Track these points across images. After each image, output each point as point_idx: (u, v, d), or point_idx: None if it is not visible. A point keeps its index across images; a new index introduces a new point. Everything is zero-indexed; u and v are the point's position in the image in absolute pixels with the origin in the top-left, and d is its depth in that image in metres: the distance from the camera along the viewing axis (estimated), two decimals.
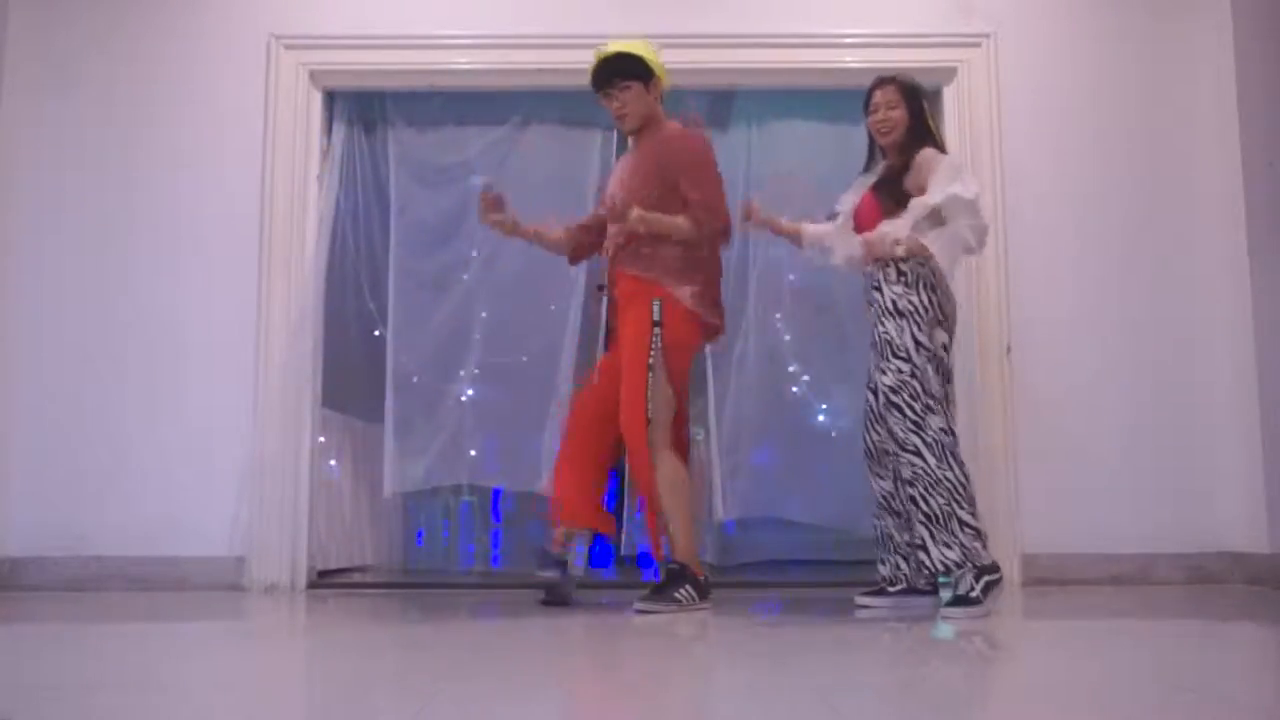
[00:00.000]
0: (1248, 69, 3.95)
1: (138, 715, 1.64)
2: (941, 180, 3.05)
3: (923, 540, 3.02)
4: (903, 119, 3.21)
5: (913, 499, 3.04)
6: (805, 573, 4.38)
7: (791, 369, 4.31)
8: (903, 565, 3.19)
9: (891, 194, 3.17)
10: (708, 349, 4.20)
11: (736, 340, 4.25)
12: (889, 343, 3.09)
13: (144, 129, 4.06)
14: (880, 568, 3.24)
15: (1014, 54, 4.08)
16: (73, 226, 4.02)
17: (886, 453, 3.14)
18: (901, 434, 3.04)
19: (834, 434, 4.19)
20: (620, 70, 3.33)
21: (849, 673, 2.05)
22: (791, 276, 4.30)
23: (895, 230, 3.06)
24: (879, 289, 3.14)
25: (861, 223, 3.22)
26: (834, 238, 3.32)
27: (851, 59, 4.09)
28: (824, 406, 4.22)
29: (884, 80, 3.28)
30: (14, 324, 3.98)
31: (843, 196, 3.35)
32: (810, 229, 3.43)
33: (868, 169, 3.36)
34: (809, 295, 4.26)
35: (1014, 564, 3.84)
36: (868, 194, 3.25)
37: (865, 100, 3.30)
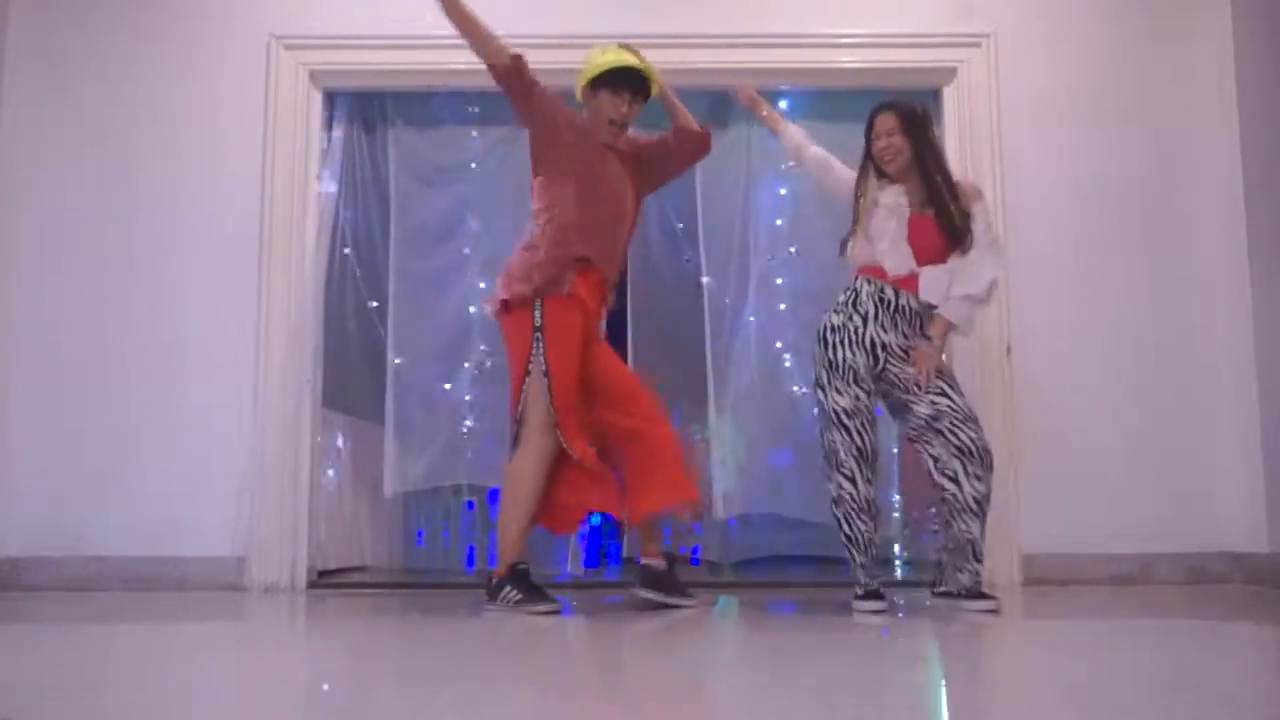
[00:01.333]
0: (1248, 69, 3.95)
1: (138, 715, 1.64)
2: (984, 253, 3.15)
3: (981, 554, 3.12)
4: (904, 145, 3.17)
5: (982, 514, 3.09)
6: (806, 571, 4.38)
7: (791, 366, 4.31)
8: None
9: (946, 222, 3.15)
10: (708, 346, 4.23)
11: (736, 339, 4.26)
12: (950, 377, 3.19)
13: (144, 129, 4.07)
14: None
15: (1014, 54, 4.08)
16: (73, 226, 4.02)
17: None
18: (984, 448, 3.09)
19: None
20: (644, 89, 3.30)
21: (848, 672, 2.05)
22: (793, 272, 4.30)
23: (936, 352, 3.16)
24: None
25: (919, 246, 3.15)
26: (887, 254, 3.18)
27: (850, 59, 4.09)
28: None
29: (884, 107, 3.25)
30: (14, 324, 3.98)
31: (855, 177, 3.26)
32: (791, 130, 3.45)
33: (862, 175, 3.27)
34: (809, 294, 4.26)
35: (1014, 564, 3.85)
36: (923, 219, 3.16)
37: (868, 125, 3.25)
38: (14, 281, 4.00)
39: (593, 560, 4.53)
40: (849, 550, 3.11)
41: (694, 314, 4.30)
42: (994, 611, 3.02)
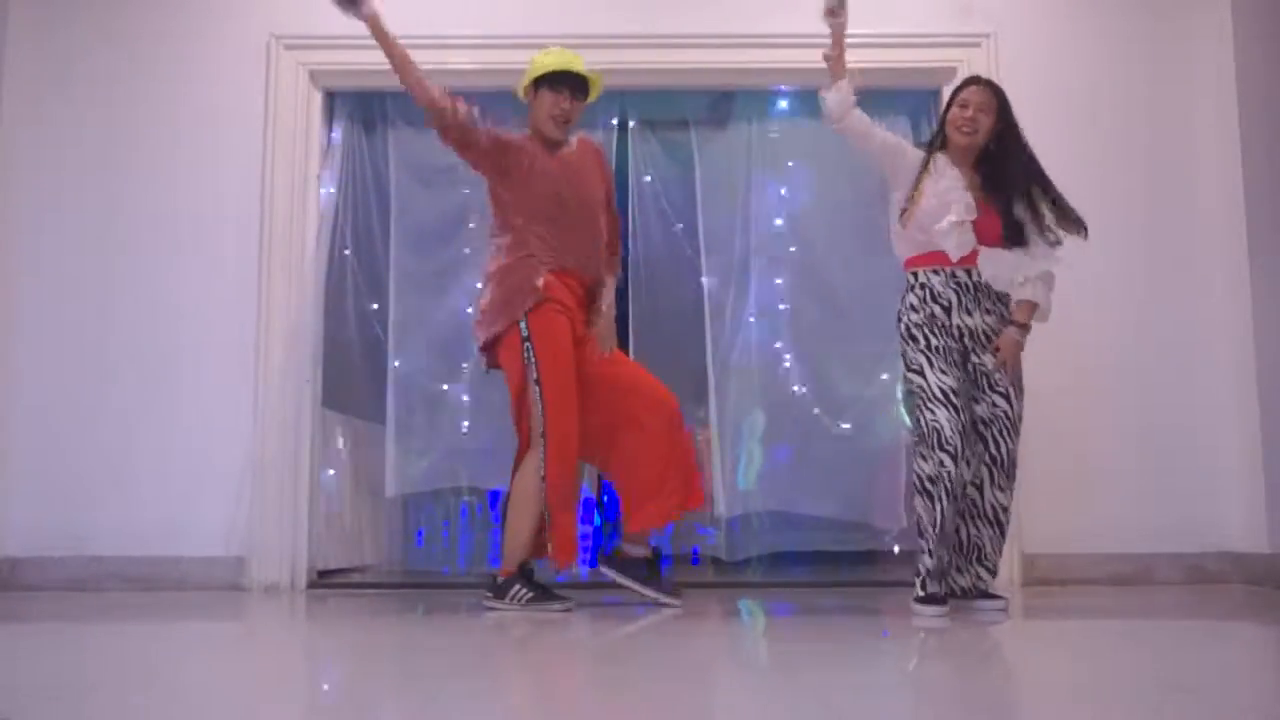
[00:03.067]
0: (1248, 69, 3.95)
1: (138, 715, 1.64)
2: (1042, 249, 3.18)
3: (995, 564, 3.13)
4: (989, 129, 3.16)
5: (1000, 524, 3.11)
6: (807, 569, 4.39)
7: (793, 364, 4.31)
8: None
9: (1008, 217, 3.16)
10: (708, 346, 4.23)
11: (736, 339, 4.25)
12: (1020, 378, 3.17)
13: (144, 129, 4.06)
14: (960, 578, 3.17)
15: (1014, 54, 4.08)
16: (72, 226, 4.02)
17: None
18: (1014, 460, 3.10)
19: (837, 427, 4.19)
20: (582, 88, 3.39)
21: (848, 672, 2.05)
22: (793, 271, 4.30)
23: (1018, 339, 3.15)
24: (1009, 309, 3.19)
25: (982, 235, 3.14)
26: (948, 235, 3.11)
27: (851, 59, 4.04)
28: (826, 401, 4.22)
29: (984, 82, 3.22)
30: (14, 324, 3.98)
31: (907, 149, 3.18)
32: (845, 86, 3.22)
33: (930, 149, 3.22)
34: (809, 293, 4.26)
35: (1014, 564, 3.85)
36: (989, 208, 3.14)
37: (959, 87, 3.22)
38: (14, 281, 4.00)
39: (593, 560, 4.53)
40: (928, 537, 2.97)
41: (694, 314, 4.30)
42: (1003, 610, 3.03)
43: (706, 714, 1.73)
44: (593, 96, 3.45)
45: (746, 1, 4.13)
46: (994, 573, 3.13)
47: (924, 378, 3.05)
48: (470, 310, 4.30)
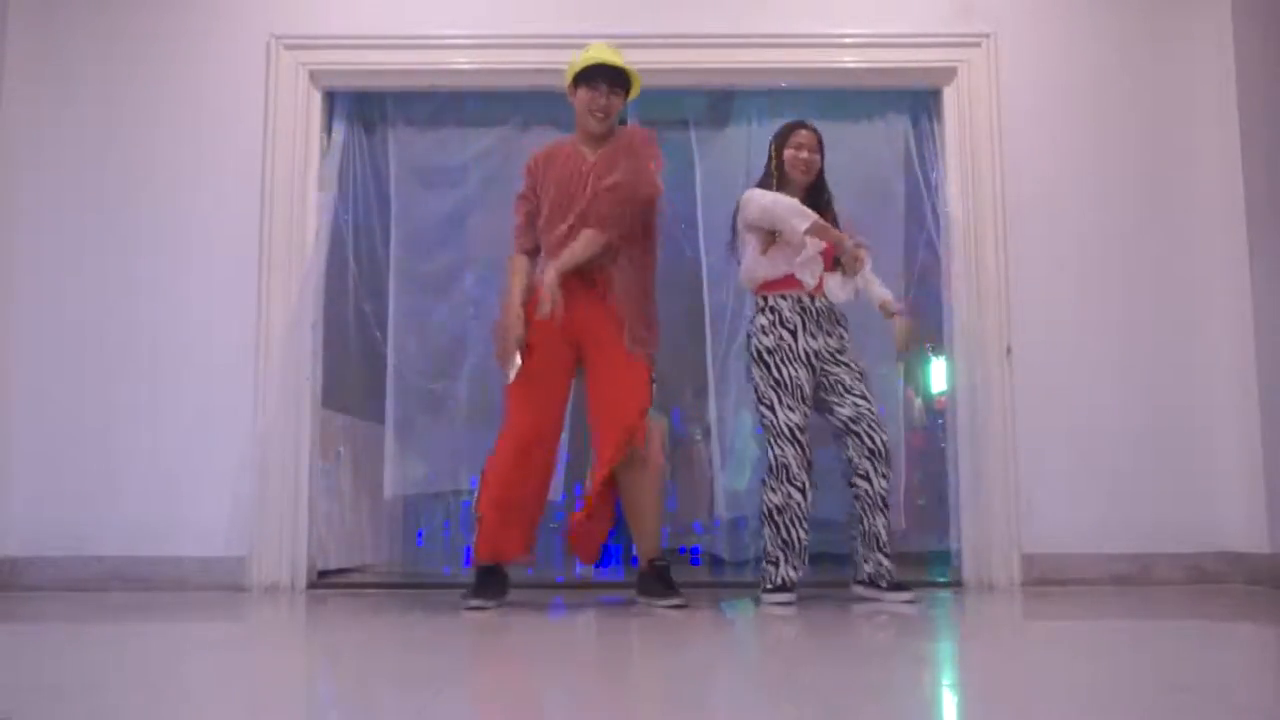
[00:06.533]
0: (1248, 69, 3.95)
1: (138, 715, 1.64)
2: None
3: (891, 549, 3.38)
4: (818, 167, 3.48)
5: (885, 511, 3.36)
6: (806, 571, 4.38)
7: None
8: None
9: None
10: (708, 346, 4.23)
11: (736, 339, 4.26)
12: (866, 375, 3.47)
13: (144, 129, 4.06)
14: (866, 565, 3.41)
15: (1014, 54, 4.08)
16: (73, 227, 4.02)
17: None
18: (889, 450, 3.35)
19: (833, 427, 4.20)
20: (621, 80, 3.40)
21: (847, 674, 2.05)
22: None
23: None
24: (846, 331, 3.49)
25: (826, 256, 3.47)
26: (806, 266, 3.42)
27: (851, 59, 4.09)
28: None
29: (806, 124, 3.53)
30: (14, 324, 3.98)
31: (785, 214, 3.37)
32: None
33: (769, 187, 3.49)
34: None
35: (1014, 564, 3.85)
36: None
37: (787, 131, 3.50)
38: (14, 281, 4.00)
39: (605, 560, 4.53)
40: (782, 553, 3.30)
41: (694, 314, 4.31)
42: (912, 602, 3.25)
43: (706, 714, 1.73)
44: (634, 93, 3.47)
45: (746, 1, 4.13)
46: (892, 557, 3.37)
47: (774, 414, 3.34)
48: (471, 311, 4.34)
